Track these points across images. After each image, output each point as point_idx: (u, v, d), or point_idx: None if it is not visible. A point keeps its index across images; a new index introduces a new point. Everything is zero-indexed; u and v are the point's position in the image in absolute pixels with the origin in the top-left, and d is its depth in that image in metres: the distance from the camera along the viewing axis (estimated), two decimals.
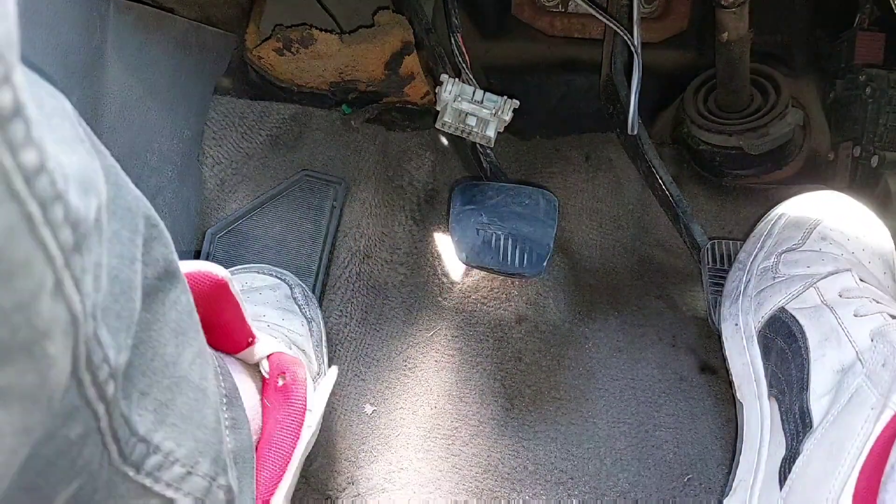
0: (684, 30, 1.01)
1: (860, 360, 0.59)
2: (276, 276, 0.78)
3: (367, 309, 0.87)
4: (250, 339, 0.57)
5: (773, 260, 0.72)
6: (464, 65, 0.82)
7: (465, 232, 0.76)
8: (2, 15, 0.22)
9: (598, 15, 0.83)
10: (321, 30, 0.91)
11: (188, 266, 0.49)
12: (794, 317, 0.66)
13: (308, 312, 0.76)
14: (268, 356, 0.59)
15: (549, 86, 1.06)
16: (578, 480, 0.74)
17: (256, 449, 0.55)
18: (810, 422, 0.59)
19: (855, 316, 0.62)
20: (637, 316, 0.88)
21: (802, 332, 0.64)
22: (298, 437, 0.56)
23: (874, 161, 0.89)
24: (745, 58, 0.85)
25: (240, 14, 0.94)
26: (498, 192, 0.78)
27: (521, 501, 0.73)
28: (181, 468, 0.38)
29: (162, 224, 0.38)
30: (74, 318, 0.27)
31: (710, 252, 0.80)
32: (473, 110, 0.78)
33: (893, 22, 0.90)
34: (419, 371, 0.83)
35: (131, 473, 0.35)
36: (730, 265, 0.78)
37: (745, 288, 0.73)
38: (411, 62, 0.93)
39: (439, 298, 0.89)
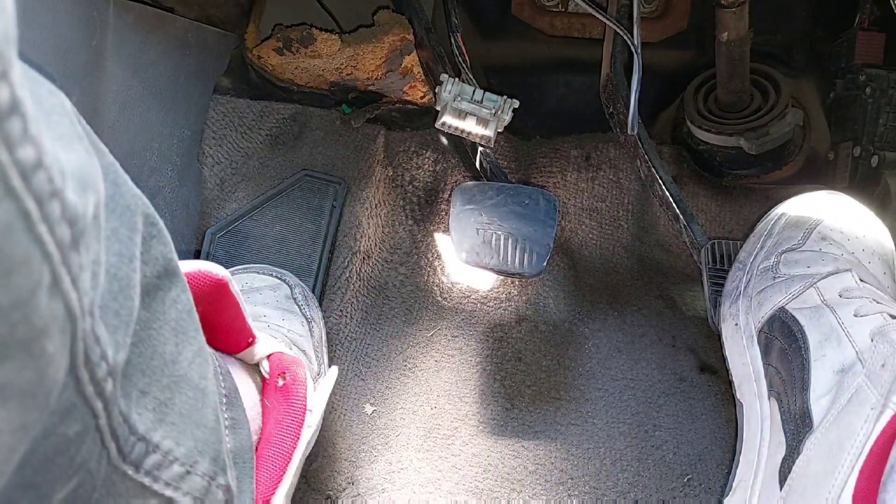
0: (684, 30, 1.01)
1: (860, 360, 0.59)
2: (276, 277, 0.78)
3: (367, 309, 0.87)
4: (250, 340, 0.57)
5: (773, 260, 0.72)
6: (464, 64, 0.82)
7: (465, 232, 0.76)
8: (0, 11, 0.22)
9: (598, 15, 0.83)
10: (321, 29, 0.91)
11: (188, 266, 0.49)
12: (794, 317, 0.66)
13: (308, 313, 0.76)
14: (268, 356, 0.59)
15: (548, 86, 1.06)
16: (578, 480, 0.74)
17: (256, 449, 0.55)
18: (810, 422, 0.59)
19: (855, 316, 0.62)
20: (637, 316, 0.88)
21: (802, 332, 0.64)
22: (298, 437, 0.56)
23: (874, 161, 0.89)
24: (745, 58, 0.85)
25: (240, 14, 0.94)
26: (498, 192, 0.78)
27: (521, 501, 0.73)
28: (180, 467, 0.38)
29: (161, 223, 0.38)
30: (72, 315, 0.27)
31: (710, 252, 0.80)
32: (473, 110, 0.78)
33: (893, 22, 0.90)
34: (419, 371, 0.83)
35: (130, 472, 0.35)
36: (730, 265, 0.78)
37: (745, 288, 0.73)
38: (411, 62, 0.93)
39: (439, 298, 0.89)
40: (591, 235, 0.95)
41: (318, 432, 0.62)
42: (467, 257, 0.75)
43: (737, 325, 0.72)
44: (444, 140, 0.98)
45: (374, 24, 0.94)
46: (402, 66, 0.93)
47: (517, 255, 0.75)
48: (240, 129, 0.91)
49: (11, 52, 0.22)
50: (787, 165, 0.97)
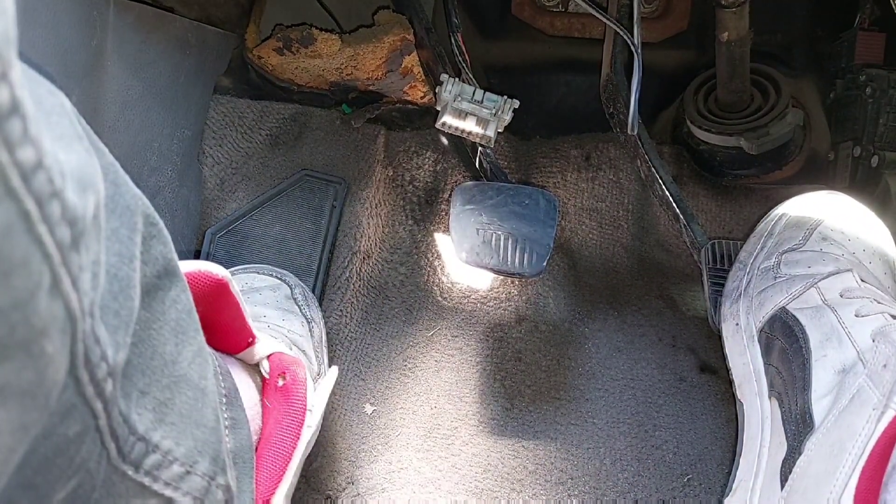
0: (684, 30, 1.01)
1: (861, 360, 0.59)
2: (277, 277, 0.78)
3: (367, 309, 0.87)
4: (250, 340, 0.57)
5: (774, 260, 0.72)
6: (464, 64, 0.82)
7: (465, 232, 0.76)
8: (0, 12, 0.22)
9: (598, 15, 0.83)
10: (321, 29, 0.91)
11: (188, 266, 0.49)
12: (795, 317, 0.66)
13: (308, 313, 0.76)
14: (268, 356, 0.59)
15: (549, 86, 1.06)
16: (578, 480, 0.74)
17: (256, 449, 0.55)
18: (811, 422, 0.59)
19: (856, 316, 0.62)
20: (637, 316, 0.88)
21: (803, 332, 0.64)
22: (298, 437, 0.56)
23: (874, 161, 0.89)
24: (745, 58, 0.85)
25: (240, 13, 0.93)
26: (498, 192, 0.78)
27: (521, 501, 0.73)
28: (180, 467, 0.38)
29: (161, 223, 0.38)
30: (72, 315, 0.27)
31: (710, 252, 0.80)
32: (473, 110, 0.78)
33: (893, 22, 0.90)
34: (419, 371, 0.83)
35: (130, 472, 0.35)
36: (730, 265, 0.78)
37: (745, 287, 0.73)
38: (411, 62, 0.93)
39: (439, 298, 0.89)
40: (591, 235, 0.95)
41: (318, 432, 0.62)
42: (467, 257, 0.75)
43: (737, 324, 0.72)
44: (444, 140, 0.98)
45: (374, 24, 0.94)
46: (403, 66, 0.93)
47: (517, 255, 0.75)
48: (240, 129, 0.91)
49: (11, 53, 0.22)
50: (787, 165, 0.97)
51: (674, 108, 1.04)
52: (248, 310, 0.57)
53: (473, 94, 0.78)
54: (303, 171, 0.90)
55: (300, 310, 0.75)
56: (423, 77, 0.94)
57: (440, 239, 0.93)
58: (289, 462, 0.55)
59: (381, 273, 0.89)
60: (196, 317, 0.42)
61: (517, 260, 0.74)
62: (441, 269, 0.91)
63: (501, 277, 0.90)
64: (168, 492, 0.38)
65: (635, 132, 0.83)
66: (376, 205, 0.91)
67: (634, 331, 0.87)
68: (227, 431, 0.47)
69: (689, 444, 0.76)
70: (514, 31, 1.04)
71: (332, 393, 0.75)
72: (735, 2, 0.78)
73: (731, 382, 0.73)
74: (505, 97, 0.78)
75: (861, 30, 0.92)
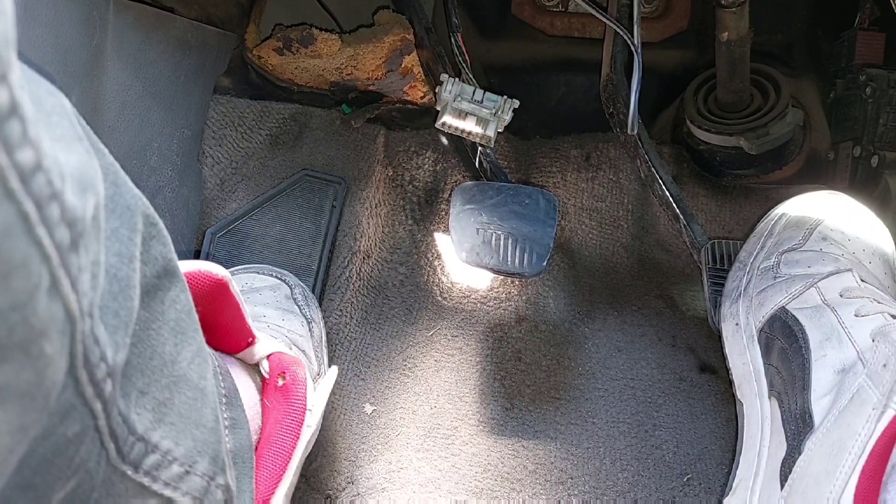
0: (684, 30, 1.01)
1: (861, 360, 0.59)
2: (276, 277, 0.78)
3: (367, 309, 0.87)
4: (250, 339, 0.57)
5: (773, 260, 0.72)
6: (464, 64, 0.82)
7: (465, 232, 0.76)
8: None
9: (598, 15, 0.83)
10: (321, 29, 0.91)
11: (188, 266, 0.49)
12: (794, 317, 0.66)
13: (308, 313, 0.76)
14: (268, 356, 0.59)
15: (549, 85, 1.06)
16: (578, 480, 0.74)
17: (256, 449, 0.55)
18: (811, 422, 0.59)
19: (856, 316, 0.62)
20: (637, 316, 0.88)
21: (803, 332, 0.64)
22: (298, 437, 0.56)
23: (874, 161, 0.89)
24: (745, 57, 0.85)
25: (240, 13, 0.93)
26: (498, 191, 0.78)
27: (521, 501, 0.73)
28: (179, 467, 0.38)
29: (161, 223, 0.38)
30: (71, 316, 0.27)
31: (709, 252, 0.80)
32: (473, 110, 0.78)
33: (893, 22, 0.90)
34: (419, 371, 0.83)
35: (129, 472, 0.35)
36: (730, 265, 0.78)
37: (745, 287, 0.73)
38: (411, 61, 0.93)
39: (439, 298, 0.89)
40: (591, 235, 0.95)
41: (317, 432, 0.63)
42: (467, 257, 0.75)
43: (737, 324, 0.72)
44: (444, 140, 0.98)
45: (374, 24, 0.94)
46: (403, 66, 0.93)
47: (517, 254, 0.75)
48: (240, 129, 0.91)
49: (11, 55, 0.22)
50: (787, 165, 0.97)
51: (674, 108, 1.04)
52: (248, 310, 0.57)
53: (473, 93, 0.78)
54: (303, 171, 0.90)
55: (300, 310, 0.75)
56: (423, 77, 0.94)
57: (440, 239, 0.93)
58: (288, 462, 0.55)
59: (380, 273, 0.89)
60: (195, 317, 0.42)
61: (517, 260, 0.74)
62: (441, 268, 0.91)
63: (501, 277, 0.90)
64: (167, 492, 0.38)
65: (635, 132, 0.83)
66: (376, 205, 0.91)
67: (634, 331, 0.87)
68: (226, 431, 0.47)
69: (689, 443, 0.76)
70: (514, 31, 1.04)
71: (332, 393, 0.75)
72: (735, 2, 0.78)
73: (730, 382, 0.73)
74: (505, 97, 0.78)
75: (861, 30, 0.92)
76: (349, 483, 0.73)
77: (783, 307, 0.68)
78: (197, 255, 0.85)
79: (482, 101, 0.78)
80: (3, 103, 0.22)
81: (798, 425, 0.61)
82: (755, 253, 0.75)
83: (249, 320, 0.56)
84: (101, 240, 0.30)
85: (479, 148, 0.82)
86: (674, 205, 0.83)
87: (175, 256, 0.40)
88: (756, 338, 0.70)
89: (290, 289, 0.77)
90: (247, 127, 0.92)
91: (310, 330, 0.74)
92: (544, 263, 0.75)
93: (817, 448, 0.58)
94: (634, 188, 0.97)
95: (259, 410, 0.58)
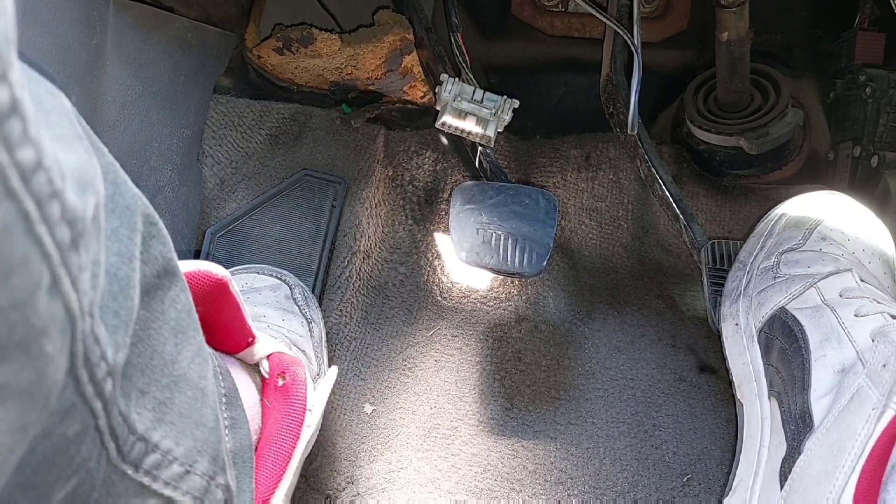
0: (684, 30, 1.01)
1: (861, 360, 0.59)
2: (276, 277, 0.78)
3: (367, 309, 0.87)
4: (250, 339, 0.57)
5: (773, 260, 0.72)
6: (464, 64, 0.82)
7: (465, 232, 0.76)
8: (0, 12, 0.22)
9: (598, 15, 0.83)
10: (321, 29, 0.91)
11: (188, 265, 0.49)
12: (794, 317, 0.66)
13: (308, 313, 0.76)
14: (268, 356, 0.59)
15: (549, 85, 1.06)
16: (578, 480, 0.74)
17: (256, 449, 0.55)
18: (811, 422, 0.59)
19: (855, 316, 0.62)
20: (637, 316, 0.88)
21: (803, 332, 0.64)
22: (298, 437, 0.56)
23: (874, 161, 0.89)
24: (745, 57, 0.85)
25: (240, 13, 0.93)
26: (498, 191, 0.78)
27: (520, 501, 0.73)
28: (179, 467, 0.38)
29: (161, 222, 0.38)
30: (71, 315, 0.27)
31: (709, 252, 0.80)
32: (473, 110, 0.78)
33: (893, 22, 0.90)
34: (419, 371, 0.83)
35: (129, 472, 0.35)
36: (729, 265, 0.78)
37: (745, 287, 0.73)
38: (411, 61, 0.93)
39: (439, 298, 0.89)
40: (591, 235, 0.95)
41: (317, 432, 0.63)
42: (467, 257, 0.75)
43: (737, 324, 0.72)
44: (444, 140, 0.98)
45: (374, 24, 0.94)
46: (402, 65, 0.93)
47: (517, 254, 0.75)
48: (240, 129, 0.91)
49: (11, 54, 0.22)
50: (787, 165, 0.97)
51: (673, 108, 1.04)
52: (248, 310, 0.57)
53: (473, 93, 0.78)
54: (303, 170, 0.90)
55: (300, 310, 0.75)
56: (423, 77, 0.94)
57: (440, 239, 0.93)
58: (288, 462, 0.55)
59: (380, 273, 0.90)
60: (196, 316, 0.42)
61: (517, 260, 0.74)
62: (441, 268, 0.91)
63: (501, 277, 0.90)
64: (168, 491, 0.38)
65: (635, 132, 0.83)
66: (376, 204, 0.91)
67: (634, 331, 0.87)
68: (226, 431, 0.47)
69: (689, 444, 0.76)
70: (514, 31, 1.04)
71: (332, 393, 0.75)
72: (735, 2, 0.78)
73: (730, 382, 0.73)
74: (505, 97, 0.78)
75: (861, 30, 0.92)
76: (349, 483, 0.73)
77: (783, 307, 0.68)
78: (197, 255, 0.85)
79: (482, 101, 0.78)
80: (3, 102, 0.22)
81: (798, 425, 0.61)
82: (755, 253, 0.75)
83: (249, 320, 0.56)
84: (101, 239, 0.30)
85: (479, 148, 0.82)
86: (674, 205, 0.83)
87: (175, 256, 0.40)
88: (756, 338, 0.70)
89: (290, 289, 0.77)
90: (247, 127, 0.92)
91: (310, 330, 0.74)
92: (544, 263, 0.75)
93: (817, 448, 0.58)
94: (634, 188, 0.97)
95: (259, 410, 0.58)
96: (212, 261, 0.53)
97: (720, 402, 0.79)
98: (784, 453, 0.61)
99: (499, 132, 0.80)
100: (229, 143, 0.90)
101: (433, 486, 0.73)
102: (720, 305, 0.76)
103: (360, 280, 0.87)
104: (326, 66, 0.93)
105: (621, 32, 0.82)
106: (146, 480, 0.36)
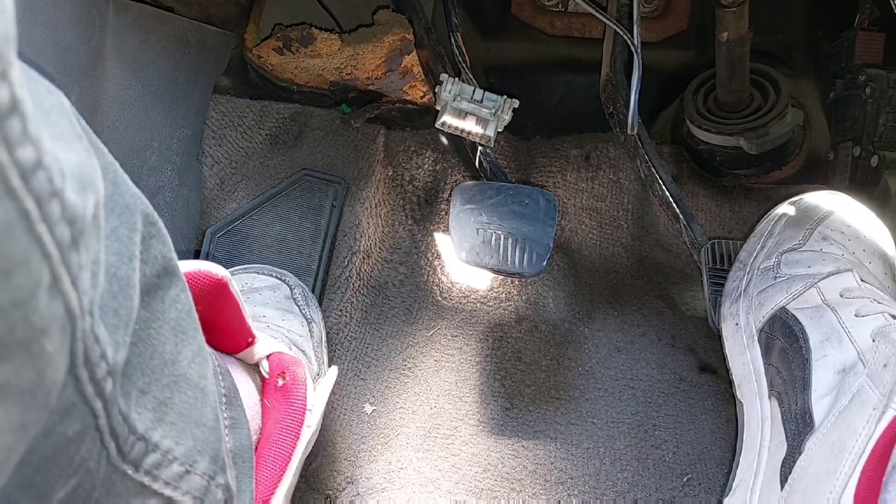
0: (684, 29, 1.01)
1: (861, 360, 0.59)
2: (276, 277, 0.78)
3: (367, 308, 0.87)
4: (250, 339, 0.57)
5: (774, 260, 0.72)
6: (463, 64, 0.82)
7: (464, 232, 0.76)
8: (0, 11, 0.22)
9: (598, 14, 0.83)
10: (321, 29, 0.91)
11: (188, 265, 0.49)
12: (795, 317, 0.66)
13: (308, 313, 0.76)
14: (268, 356, 0.59)
15: (548, 85, 1.06)
16: (578, 480, 0.74)
17: (256, 449, 0.55)
18: (811, 422, 0.59)
19: (856, 316, 0.62)
20: (637, 316, 0.88)
21: (803, 332, 0.64)
22: (298, 437, 0.56)
23: (874, 161, 0.89)
24: (745, 57, 0.85)
25: (239, 13, 0.93)
26: (498, 191, 0.78)
27: (520, 501, 0.73)
28: (180, 466, 0.38)
29: (160, 222, 0.38)
30: (72, 315, 0.27)
31: (709, 252, 0.80)
32: (473, 110, 0.78)
33: (893, 22, 0.90)
34: (419, 371, 0.83)
35: (129, 471, 0.35)
36: (729, 265, 0.78)
37: (745, 287, 0.73)
38: (411, 61, 0.93)
39: (439, 298, 0.89)
40: (591, 235, 0.95)
41: (317, 432, 0.62)
42: (467, 257, 0.75)
43: (737, 324, 0.72)
44: (444, 140, 0.98)
45: (374, 24, 0.94)
46: (402, 65, 0.93)
47: (517, 254, 0.75)
48: (240, 128, 0.91)
49: (11, 52, 0.22)
50: (787, 165, 0.97)
51: (673, 108, 1.04)
52: (248, 310, 0.57)
53: (473, 93, 0.78)
54: (303, 170, 0.90)
55: (300, 310, 0.75)
56: (423, 77, 0.94)
57: (440, 238, 0.93)
58: (288, 462, 0.55)
59: (380, 273, 0.89)
60: (196, 316, 0.42)
61: (517, 260, 0.74)
62: (441, 268, 0.91)
63: (501, 277, 0.90)
64: (168, 491, 0.38)
65: (635, 132, 0.83)
66: (376, 204, 0.91)
67: (634, 331, 0.87)
68: (226, 431, 0.47)
69: (689, 443, 0.76)
70: (514, 31, 1.04)
71: (332, 393, 0.75)
72: (735, 1, 0.78)
73: (730, 382, 0.73)
74: (504, 97, 0.78)
75: (861, 30, 0.92)
76: (349, 483, 0.73)
77: (783, 307, 0.68)
78: (197, 255, 0.85)
79: (482, 101, 0.78)
80: (3, 101, 0.22)
81: (798, 425, 0.61)
82: (755, 253, 0.75)
83: (249, 320, 0.56)
84: (101, 238, 0.30)
85: (479, 148, 0.82)
86: (674, 205, 0.84)
87: (175, 256, 0.40)
88: (756, 338, 0.70)
89: (290, 289, 0.77)
90: (247, 127, 0.92)
91: (310, 330, 0.74)
92: (544, 263, 0.75)
93: (817, 448, 0.58)
94: (634, 188, 0.97)
95: (259, 410, 0.58)
96: (212, 261, 0.53)
97: (720, 402, 0.79)
98: (784, 453, 0.61)
99: (499, 132, 0.80)
100: (229, 143, 0.90)
101: (433, 486, 0.73)
102: (720, 305, 0.76)
103: (360, 280, 0.87)
104: (326, 65, 0.93)
105: (621, 32, 0.82)
106: (146, 480, 0.36)
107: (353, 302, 0.86)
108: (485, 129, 0.78)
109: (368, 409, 0.79)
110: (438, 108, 0.79)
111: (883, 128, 0.90)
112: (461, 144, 0.92)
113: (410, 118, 0.99)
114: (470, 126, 0.78)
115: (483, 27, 1.04)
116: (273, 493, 0.53)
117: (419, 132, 0.98)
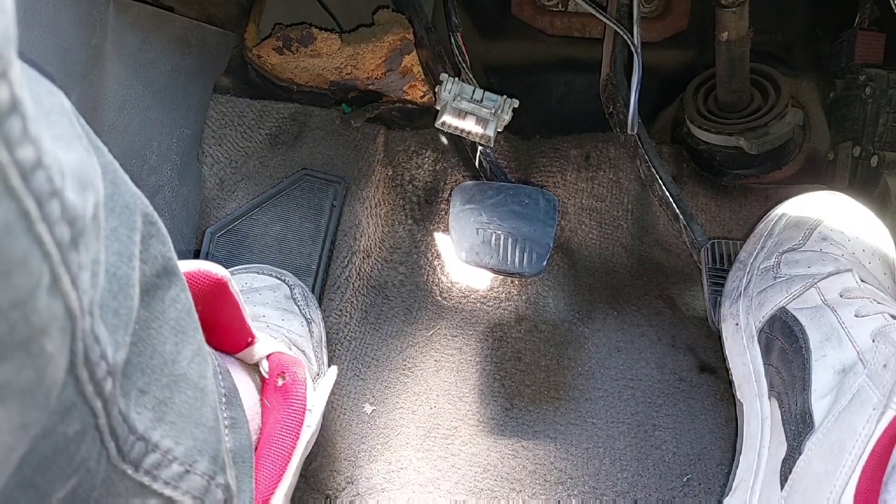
0: (684, 29, 1.01)
1: (861, 360, 0.59)
2: (276, 277, 0.78)
3: (367, 308, 0.87)
4: (250, 339, 0.57)
5: (773, 260, 0.72)
6: (463, 64, 0.82)
7: (464, 232, 0.76)
8: (0, 11, 0.22)
9: (598, 14, 0.83)
10: (321, 29, 0.91)
11: (187, 265, 0.49)
12: (794, 317, 0.66)
13: (308, 313, 0.76)
14: (267, 356, 0.59)
15: (548, 85, 1.06)
16: (578, 480, 0.74)
17: (256, 449, 0.55)
18: (811, 422, 0.59)
19: (856, 316, 0.62)
20: (637, 316, 0.88)
21: (803, 332, 0.64)
22: (298, 437, 0.56)
23: (874, 161, 0.89)
24: (745, 57, 0.85)
25: (239, 13, 0.93)
26: (498, 191, 0.78)
27: (520, 501, 0.73)
28: (179, 466, 0.38)
29: (160, 222, 0.38)
30: (71, 314, 0.27)
31: (709, 252, 0.80)
32: (473, 109, 0.78)
33: (893, 22, 0.90)
34: (419, 371, 0.83)
35: (129, 471, 0.35)
36: (729, 265, 0.78)
37: (745, 287, 0.73)
38: (411, 61, 0.93)
39: (439, 298, 0.89)
40: (591, 235, 0.95)
41: (317, 432, 0.62)
42: (467, 257, 0.75)
43: (737, 324, 0.72)
44: (444, 140, 0.98)
45: (374, 24, 0.94)
46: (402, 65, 0.93)
47: (517, 254, 0.75)
48: (240, 128, 0.91)
49: (11, 52, 0.22)
50: (787, 165, 0.97)
51: (673, 108, 1.04)
52: (248, 310, 0.57)
53: (473, 93, 0.78)
54: (302, 170, 0.90)
55: (300, 310, 0.75)
56: (423, 76, 0.94)
57: (440, 238, 0.93)
58: (288, 462, 0.55)
59: (380, 272, 0.89)
60: (195, 316, 0.42)
61: (517, 259, 0.74)
62: (441, 268, 0.91)
63: (501, 277, 0.90)
64: (167, 491, 0.38)
65: (635, 132, 0.83)
66: (376, 204, 0.91)
67: (634, 331, 0.87)
68: (226, 431, 0.47)
69: (689, 444, 0.76)
70: (514, 31, 1.04)
71: (332, 393, 0.75)
72: (735, 1, 0.78)
73: (730, 382, 0.73)
74: (504, 97, 0.78)
75: (861, 30, 0.92)
76: (349, 483, 0.73)
77: (783, 307, 0.68)
78: (196, 255, 0.85)
79: (482, 101, 0.78)
80: (3, 100, 0.22)
81: (798, 425, 0.61)
82: (755, 253, 0.75)
83: (249, 320, 0.56)
84: (100, 238, 0.30)
85: (479, 148, 0.82)
86: (674, 205, 0.84)
87: (174, 255, 0.40)
88: (756, 338, 0.70)
89: (290, 289, 0.77)
90: (247, 126, 0.92)
91: (309, 330, 0.74)
92: (544, 263, 0.75)
93: (817, 448, 0.58)
94: (634, 188, 0.97)
95: (259, 410, 0.58)
96: (211, 261, 0.53)
97: (720, 402, 0.79)
98: (784, 453, 0.61)
99: (498, 132, 0.80)
100: (229, 142, 0.90)
101: (433, 486, 0.73)
102: (720, 305, 0.76)
103: (359, 280, 0.87)
104: (326, 65, 0.93)
105: (621, 32, 0.82)
106: (146, 480, 0.36)
107: (352, 302, 0.86)
108: (485, 129, 0.78)
109: (368, 409, 0.79)
110: (438, 107, 0.79)
111: (883, 128, 0.90)
112: (461, 144, 0.92)
113: (410, 118, 0.99)
114: (470, 126, 0.78)
115: (483, 27, 1.04)
116: (273, 493, 0.53)
117: (419, 132, 0.98)
